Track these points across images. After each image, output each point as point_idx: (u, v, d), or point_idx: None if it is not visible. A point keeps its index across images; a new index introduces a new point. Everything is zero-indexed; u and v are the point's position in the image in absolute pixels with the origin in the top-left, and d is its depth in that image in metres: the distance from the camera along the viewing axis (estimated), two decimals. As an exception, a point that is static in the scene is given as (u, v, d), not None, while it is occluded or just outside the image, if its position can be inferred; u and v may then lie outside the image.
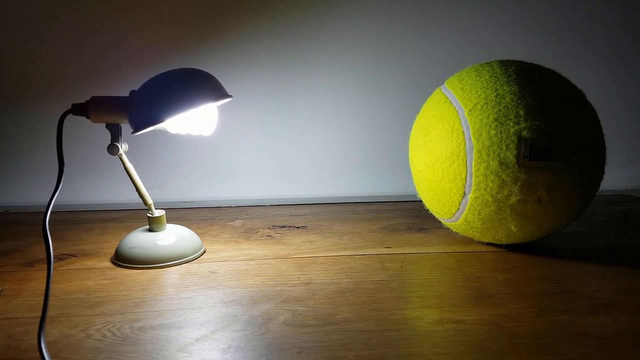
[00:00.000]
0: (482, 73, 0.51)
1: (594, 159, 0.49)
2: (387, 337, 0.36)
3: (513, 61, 0.52)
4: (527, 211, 0.48)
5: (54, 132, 0.48)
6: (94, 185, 0.77)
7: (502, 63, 0.51)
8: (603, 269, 0.48)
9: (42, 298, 0.42)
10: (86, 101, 0.49)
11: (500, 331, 0.36)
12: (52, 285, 0.45)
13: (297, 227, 0.62)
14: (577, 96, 0.50)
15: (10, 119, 0.74)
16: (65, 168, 0.45)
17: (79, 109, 0.49)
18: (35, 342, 0.34)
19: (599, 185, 0.51)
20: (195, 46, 0.74)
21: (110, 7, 0.72)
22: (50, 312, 0.40)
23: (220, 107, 0.51)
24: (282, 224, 0.64)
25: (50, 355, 0.34)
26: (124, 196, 0.75)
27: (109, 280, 0.47)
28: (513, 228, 0.49)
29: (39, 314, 0.39)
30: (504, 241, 0.52)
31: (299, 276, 0.47)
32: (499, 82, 0.49)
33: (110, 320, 0.39)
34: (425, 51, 0.76)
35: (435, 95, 0.54)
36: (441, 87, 0.54)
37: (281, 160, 0.79)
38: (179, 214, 0.70)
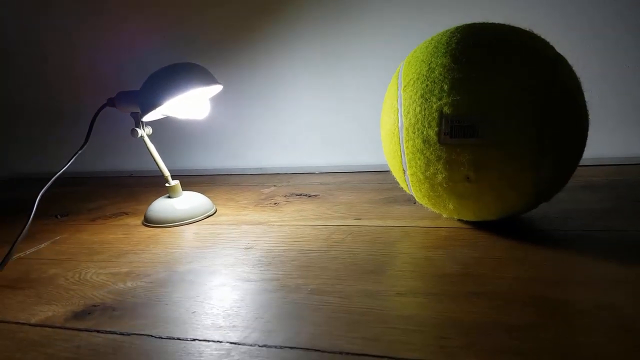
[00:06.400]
0: (431, 43, 0.48)
1: (539, 133, 0.43)
2: (252, 300, 0.41)
3: (469, 25, 0.48)
4: (460, 190, 0.45)
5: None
6: (195, 153, 0.93)
7: (456, 29, 0.48)
8: (560, 255, 0.43)
9: (82, 246, 0.57)
10: (115, 95, 0.62)
11: (340, 305, 0.38)
12: (85, 236, 0.61)
13: (309, 196, 0.68)
14: (535, 64, 0.44)
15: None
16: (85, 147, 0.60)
17: (111, 102, 0.63)
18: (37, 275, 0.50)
19: (577, 161, 0.46)
20: (253, 30, 0.83)
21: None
22: (62, 257, 0.55)
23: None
24: (300, 192, 0.70)
25: (26, 280, 0.48)
26: (213, 164, 0.89)
27: (124, 235, 0.60)
28: (450, 206, 0.47)
29: (65, 257, 0.54)
30: (455, 217, 0.50)
31: (249, 242, 0.54)
32: (436, 54, 0.46)
33: (87, 266, 0.52)
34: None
35: (397, 70, 0.53)
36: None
37: (336, 131, 0.83)
38: (242, 179, 0.81)
